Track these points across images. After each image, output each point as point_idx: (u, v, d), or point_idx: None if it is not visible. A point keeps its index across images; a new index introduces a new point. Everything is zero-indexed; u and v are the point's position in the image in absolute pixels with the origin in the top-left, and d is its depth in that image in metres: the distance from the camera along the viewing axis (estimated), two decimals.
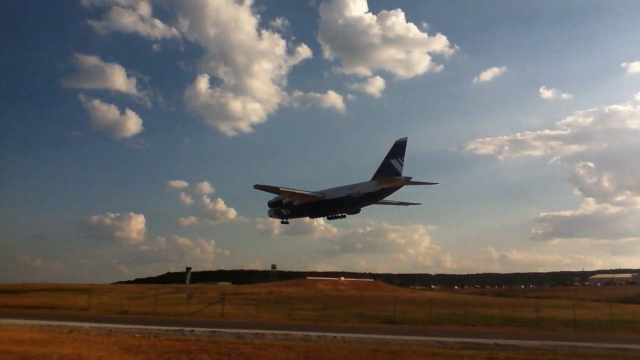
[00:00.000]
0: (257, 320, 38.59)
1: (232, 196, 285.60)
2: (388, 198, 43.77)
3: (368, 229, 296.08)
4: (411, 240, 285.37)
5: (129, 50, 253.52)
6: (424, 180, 41.16)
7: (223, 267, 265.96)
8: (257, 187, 46.87)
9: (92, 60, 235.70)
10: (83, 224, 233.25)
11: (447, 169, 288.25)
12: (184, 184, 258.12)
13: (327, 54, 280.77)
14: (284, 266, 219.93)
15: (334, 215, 47.06)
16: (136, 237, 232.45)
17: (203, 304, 52.26)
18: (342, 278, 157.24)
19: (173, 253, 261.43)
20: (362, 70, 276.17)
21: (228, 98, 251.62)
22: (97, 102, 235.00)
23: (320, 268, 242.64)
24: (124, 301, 53.53)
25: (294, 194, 46.22)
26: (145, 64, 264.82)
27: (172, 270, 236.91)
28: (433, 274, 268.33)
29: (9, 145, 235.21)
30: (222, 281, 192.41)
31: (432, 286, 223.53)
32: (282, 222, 52.80)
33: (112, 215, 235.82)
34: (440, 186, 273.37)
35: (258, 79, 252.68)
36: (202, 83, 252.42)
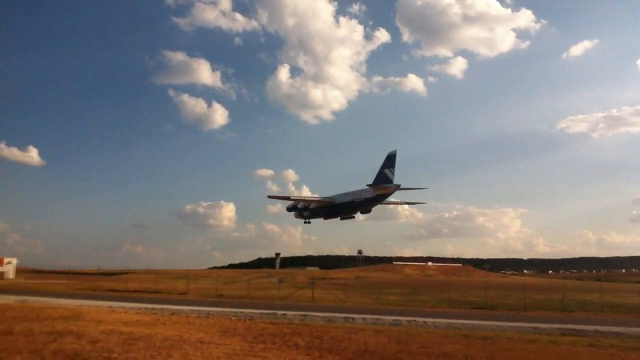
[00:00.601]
0: (346, 305, 38.95)
1: (316, 183, 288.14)
2: (392, 199, 48.79)
3: (454, 213, 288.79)
4: (500, 223, 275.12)
5: (212, 44, 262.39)
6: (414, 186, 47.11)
7: (311, 253, 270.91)
8: (271, 197, 52.84)
9: (179, 56, 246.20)
10: (179, 213, 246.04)
11: (537, 150, 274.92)
12: (270, 172, 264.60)
13: (406, 36, 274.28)
14: (369, 251, 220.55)
15: (345, 217, 50.74)
16: (227, 224, 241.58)
17: (293, 288, 53.53)
18: (430, 263, 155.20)
19: (262, 239, 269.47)
20: (443, 51, 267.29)
21: (308, 87, 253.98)
22: (185, 97, 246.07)
23: (407, 253, 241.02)
24: (219, 285, 56.00)
25: (306, 200, 51.58)
26: (229, 57, 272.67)
27: (263, 255, 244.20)
28: (525, 259, 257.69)
29: (109, 141, 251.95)
30: (310, 266, 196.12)
31: (525, 271, 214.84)
32: (305, 222, 53.73)
33: (205, 204, 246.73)
34: (530, 168, 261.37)
35: (337, 66, 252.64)
36: (283, 73, 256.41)
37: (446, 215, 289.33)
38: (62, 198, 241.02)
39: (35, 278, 62.99)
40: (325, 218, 51.59)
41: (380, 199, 46.42)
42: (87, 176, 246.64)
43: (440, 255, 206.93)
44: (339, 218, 50.60)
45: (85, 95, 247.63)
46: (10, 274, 65.33)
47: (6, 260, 65.96)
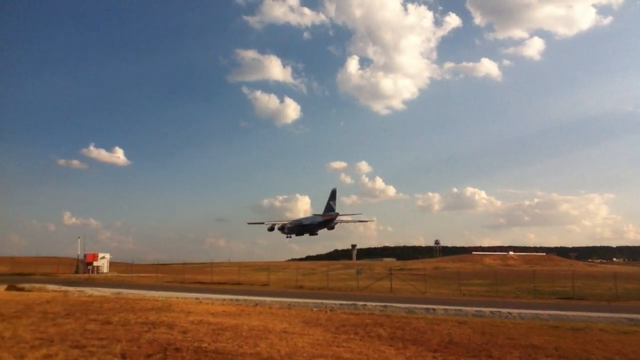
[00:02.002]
0: (425, 296, 38.47)
1: (389, 174, 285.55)
2: (344, 218, 62.48)
3: (536, 200, 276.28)
4: (586, 210, 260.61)
5: (282, 40, 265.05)
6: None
7: (387, 244, 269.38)
8: (250, 223, 72.97)
9: (250, 54, 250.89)
10: (257, 207, 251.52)
11: (623, 132, 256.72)
12: (343, 164, 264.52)
13: (478, 20, 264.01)
14: (447, 241, 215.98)
15: (312, 234, 63.61)
16: (304, 217, 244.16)
17: (371, 280, 53.52)
18: (511, 252, 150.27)
19: (338, 231, 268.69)
20: (518, 32, 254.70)
21: (379, 77, 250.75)
22: (258, 93, 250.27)
23: (486, 243, 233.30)
24: (299, 277, 56.99)
25: (280, 222, 65.06)
26: (298, 52, 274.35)
27: (339, 247, 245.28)
28: (614, 246, 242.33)
29: (189, 139, 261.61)
30: (386, 257, 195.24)
31: (614, 259, 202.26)
32: (287, 237, 64.95)
33: (281, 198, 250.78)
34: (617, 151, 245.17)
35: (407, 55, 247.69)
36: (353, 65, 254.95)
37: (527, 202, 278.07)
38: (148, 195, 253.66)
39: (126, 271, 66.76)
40: (297, 235, 63.93)
41: (329, 222, 60.40)
42: (170, 173, 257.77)
43: (521, 245, 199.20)
44: (309, 234, 63.57)
45: (164, 95, 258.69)
46: (105, 268, 69.58)
47: (100, 255, 70.27)
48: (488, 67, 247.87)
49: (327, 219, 59.05)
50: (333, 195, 59.04)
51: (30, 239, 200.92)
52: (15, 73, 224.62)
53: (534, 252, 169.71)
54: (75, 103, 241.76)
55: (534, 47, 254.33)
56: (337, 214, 58.38)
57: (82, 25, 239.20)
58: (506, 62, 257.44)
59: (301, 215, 70.19)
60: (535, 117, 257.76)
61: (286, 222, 64.72)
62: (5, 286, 34.46)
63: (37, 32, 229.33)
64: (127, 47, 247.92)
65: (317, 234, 63.68)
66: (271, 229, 64.04)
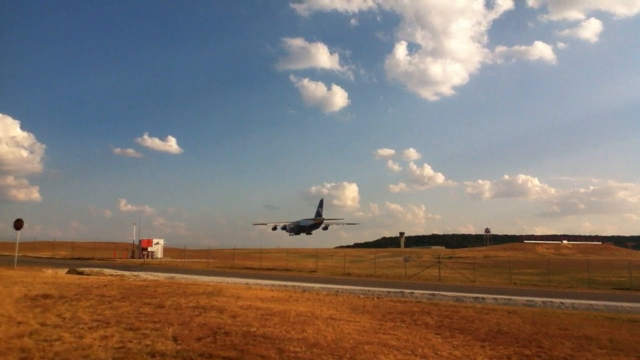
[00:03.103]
0: (475, 285, 37.89)
1: (438, 161, 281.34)
2: (333, 221, 77.91)
3: (591, 188, 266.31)
4: None
5: (329, 27, 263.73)
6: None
7: (435, 232, 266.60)
8: (255, 224, 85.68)
9: (298, 42, 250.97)
10: (305, 194, 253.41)
11: None
12: (391, 151, 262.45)
13: (531, 1, 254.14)
14: (497, 230, 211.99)
15: (308, 233, 77.53)
16: (351, 204, 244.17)
17: (419, 268, 53.14)
18: (565, 241, 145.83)
19: (386, 218, 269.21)
20: (573, 13, 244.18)
21: (427, 63, 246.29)
22: (305, 81, 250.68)
23: (538, 231, 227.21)
24: (346, 264, 57.14)
25: (282, 223, 77.93)
26: (346, 39, 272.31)
27: (387, 235, 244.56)
28: None
29: (238, 127, 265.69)
30: (435, 245, 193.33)
31: None
32: (290, 235, 78.65)
33: (329, 185, 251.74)
34: None
35: (457, 39, 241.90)
36: (401, 51, 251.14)
37: (582, 190, 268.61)
38: (199, 182, 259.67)
39: (179, 257, 68.78)
40: (296, 234, 77.37)
41: (318, 224, 75.76)
42: (220, 161, 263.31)
43: (575, 233, 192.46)
44: (308, 233, 77.60)
45: (214, 85, 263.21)
46: (159, 254, 71.88)
47: (155, 241, 72.59)
48: (542, 50, 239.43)
49: (317, 222, 75.48)
50: (321, 203, 76.21)
51: (89, 225, 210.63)
52: (73, 66, 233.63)
53: (589, 241, 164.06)
54: (129, 94, 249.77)
55: (591, 29, 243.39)
56: (323, 219, 75.27)
57: (135, 17, 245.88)
58: (561, 44, 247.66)
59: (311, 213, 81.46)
60: (591, 101, 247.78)
61: (287, 223, 78.02)
62: (66, 270, 36.21)
63: (93, 25, 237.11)
64: (178, 38, 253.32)
65: (311, 234, 78.20)
66: (274, 228, 77.43)
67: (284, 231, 77.82)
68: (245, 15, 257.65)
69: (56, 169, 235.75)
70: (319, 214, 75.00)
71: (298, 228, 76.92)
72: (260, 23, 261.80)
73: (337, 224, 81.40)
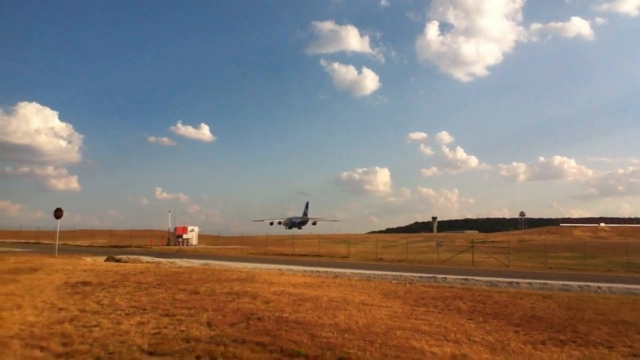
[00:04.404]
0: (509, 269, 37.40)
1: (471, 144, 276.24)
2: (317, 219, 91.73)
3: (630, 168, 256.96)
4: None
5: (359, 9, 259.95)
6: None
7: (469, 216, 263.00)
8: (255, 221, 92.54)
9: (328, 25, 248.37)
10: (337, 180, 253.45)
11: None
12: (423, 135, 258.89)
13: None
14: (532, 213, 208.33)
15: (299, 227, 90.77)
16: (383, 189, 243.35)
17: (452, 252, 52.69)
18: (602, 224, 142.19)
19: (418, 203, 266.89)
20: None
21: (460, 42, 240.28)
22: (336, 65, 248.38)
23: (575, 214, 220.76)
24: (378, 249, 57.08)
25: (277, 219, 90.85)
26: (376, 21, 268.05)
27: (419, 220, 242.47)
28: None
29: (269, 114, 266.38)
30: (468, 229, 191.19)
31: None
32: (286, 229, 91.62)
33: (360, 170, 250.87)
34: None
35: (490, 17, 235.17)
36: (432, 31, 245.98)
37: (621, 171, 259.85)
38: (233, 170, 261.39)
39: (213, 243, 69.82)
40: (289, 228, 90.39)
41: (305, 222, 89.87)
42: (253, 148, 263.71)
43: (614, 216, 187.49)
44: (298, 227, 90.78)
45: (245, 71, 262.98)
46: (194, 241, 73.19)
47: (189, 228, 73.88)
48: (579, 26, 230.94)
49: (304, 220, 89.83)
50: (307, 205, 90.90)
51: (126, 213, 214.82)
52: (108, 57, 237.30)
53: (628, 223, 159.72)
54: (163, 82, 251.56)
55: (631, 2, 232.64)
56: (308, 218, 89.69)
57: (167, 6, 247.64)
58: (599, 19, 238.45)
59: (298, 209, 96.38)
60: (632, 79, 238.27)
61: (282, 219, 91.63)
62: (104, 257, 37.23)
63: (127, 15, 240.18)
64: (209, 26, 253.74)
65: (301, 228, 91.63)
66: (271, 223, 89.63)
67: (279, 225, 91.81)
68: (277, 2, 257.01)
69: (94, 159, 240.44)
70: (305, 214, 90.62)
71: (291, 223, 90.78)
72: (290, 8, 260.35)
73: (321, 220, 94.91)
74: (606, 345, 10.72)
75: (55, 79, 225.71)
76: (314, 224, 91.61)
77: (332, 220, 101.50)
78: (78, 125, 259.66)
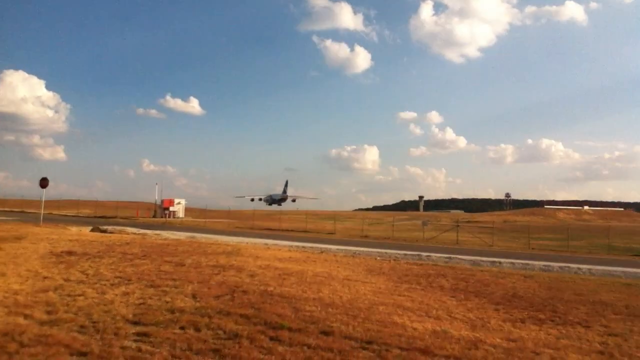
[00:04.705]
0: (492, 249, 37.91)
1: (461, 124, 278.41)
2: (297, 197, 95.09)
3: (616, 153, 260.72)
4: None
5: None
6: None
7: (455, 196, 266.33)
8: (237, 197, 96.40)
9: (321, 1, 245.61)
10: (325, 157, 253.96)
11: None
12: (413, 114, 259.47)
13: None
14: (518, 195, 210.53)
15: (279, 204, 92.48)
16: (371, 167, 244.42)
17: (437, 231, 53.22)
18: (586, 207, 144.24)
19: (406, 182, 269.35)
20: None
21: (454, 23, 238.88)
22: (328, 42, 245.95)
23: (560, 197, 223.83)
24: (364, 227, 57.48)
25: (258, 196, 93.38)
26: None
27: (406, 198, 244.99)
28: None
29: (260, 89, 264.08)
30: (454, 209, 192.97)
31: None
32: (267, 205, 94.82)
33: (349, 148, 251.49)
34: None
35: None
36: (426, 11, 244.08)
37: (606, 155, 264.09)
38: (221, 144, 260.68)
39: (200, 217, 69.76)
40: (270, 204, 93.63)
41: (285, 199, 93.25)
42: (242, 123, 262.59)
43: (598, 199, 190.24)
44: (278, 204, 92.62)
45: (237, 46, 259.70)
46: (180, 213, 72.99)
47: (176, 201, 73.55)
48: (573, 10, 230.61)
49: (283, 197, 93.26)
50: (286, 183, 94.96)
51: (112, 184, 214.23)
52: (97, 26, 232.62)
53: (612, 207, 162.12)
54: (152, 54, 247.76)
55: None
56: (287, 195, 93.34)
57: None
58: (593, 4, 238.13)
59: (279, 189, 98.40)
60: (622, 64, 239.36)
61: (263, 196, 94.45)
62: (90, 228, 37.10)
63: None
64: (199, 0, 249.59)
65: (281, 205, 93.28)
66: (252, 200, 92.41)
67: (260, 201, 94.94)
68: None
69: (81, 129, 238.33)
70: (284, 191, 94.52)
71: (271, 200, 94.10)
72: None
73: (300, 198, 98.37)
74: (584, 325, 10.96)
75: (43, 49, 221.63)
76: (294, 201, 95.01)
77: (310, 198, 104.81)
78: (65, 95, 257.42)
